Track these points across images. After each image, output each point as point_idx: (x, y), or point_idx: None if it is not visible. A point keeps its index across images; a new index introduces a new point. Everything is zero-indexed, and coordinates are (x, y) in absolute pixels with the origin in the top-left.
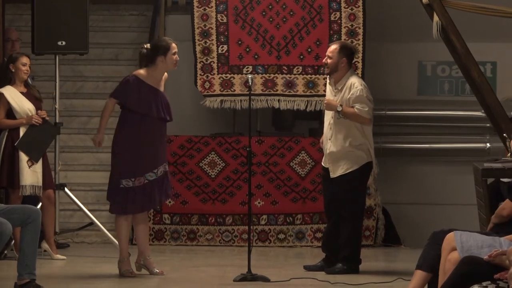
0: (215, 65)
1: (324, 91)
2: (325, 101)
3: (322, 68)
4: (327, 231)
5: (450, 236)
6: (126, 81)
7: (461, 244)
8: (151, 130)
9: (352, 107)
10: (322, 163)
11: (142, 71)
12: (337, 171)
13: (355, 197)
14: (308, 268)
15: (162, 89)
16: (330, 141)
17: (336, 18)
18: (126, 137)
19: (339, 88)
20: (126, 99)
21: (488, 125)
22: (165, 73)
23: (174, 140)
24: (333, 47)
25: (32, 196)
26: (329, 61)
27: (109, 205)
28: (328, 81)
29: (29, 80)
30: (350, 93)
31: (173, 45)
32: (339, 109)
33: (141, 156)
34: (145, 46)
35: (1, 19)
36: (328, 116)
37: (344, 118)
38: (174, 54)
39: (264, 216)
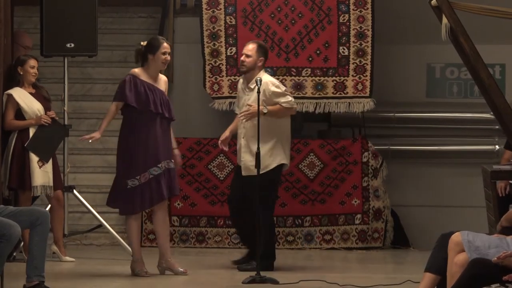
0: (223, 67)
1: (333, 93)
2: (248, 112)
3: (330, 70)
4: (244, 227)
5: (456, 236)
6: (123, 81)
7: (468, 244)
8: (151, 126)
9: (275, 104)
10: (238, 162)
11: (136, 70)
12: (248, 170)
13: (268, 197)
14: (238, 265)
15: (161, 88)
16: (244, 139)
17: (345, 20)
18: (126, 136)
19: (252, 87)
20: (125, 97)
21: (497, 127)
22: (165, 77)
23: (183, 142)
24: (251, 46)
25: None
26: (247, 59)
27: (119, 207)
28: (241, 80)
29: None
30: (270, 92)
31: (164, 44)
32: (265, 111)
33: (142, 152)
34: (142, 44)
35: (10, 21)
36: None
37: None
38: (164, 54)
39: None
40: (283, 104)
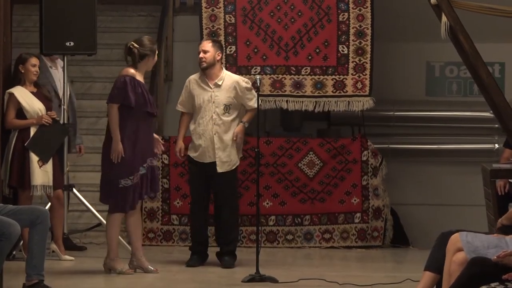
0: (223, 66)
1: (333, 91)
2: (240, 138)
3: (330, 69)
4: (204, 224)
5: (455, 237)
6: (122, 82)
7: (467, 244)
8: (142, 125)
9: (243, 99)
10: (199, 159)
11: (132, 70)
12: (224, 166)
13: (236, 190)
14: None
15: None
16: (215, 136)
17: (345, 19)
18: (126, 137)
19: (219, 83)
20: (128, 99)
21: (496, 125)
22: None
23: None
24: (206, 42)
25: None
26: (206, 55)
27: (110, 204)
28: (196, 78)
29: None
30: (242, 88)
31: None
32: (247, 125)
33: (136, 152)
34: (134, 45)
35: (9, 19)
36: (210, 112)
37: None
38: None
39: (273, 217)
40: (255, 105)
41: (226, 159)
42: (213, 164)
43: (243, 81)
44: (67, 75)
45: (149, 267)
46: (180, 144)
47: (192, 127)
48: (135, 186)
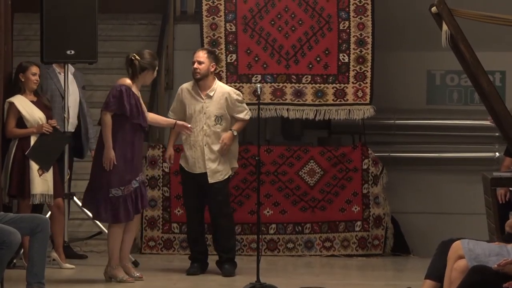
0: (224, 74)
1: (334, 100)
2: (227, 145)
3: (331, 77)
4: (200, 233)
5: (456, 244)
6: (118, 91)
7: (468, 252)
8: (135, 138)
9: (234, 111)
10: (190, 170)
11: (129, 81)
12: (215, 176)
13: (228, 197)
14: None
15: None
16: (206, 147)
17: (345, 27)
18: (118, 146)
19: (211, 94)
20: (124, 108)
21: (497, 134)
22: None
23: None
24: (202, 52)
25: (39, 205)
26: (200, 66)
27: (100, 214)
28: (189, 88)
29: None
30: (233, 100)
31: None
32: (235, 133)
33: (130, 164)
34: (136, 57)
35: (10, 28)
36: (201, 123)
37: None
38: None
39: (273, 225)
40: (246, 117)
41: (216, 169)
42: (204, 174)
43: (234, 93)
44: (78, 82)
45: (135, 273)
46: (170, 151)
47: (183, 137)
48: (126, 198)
